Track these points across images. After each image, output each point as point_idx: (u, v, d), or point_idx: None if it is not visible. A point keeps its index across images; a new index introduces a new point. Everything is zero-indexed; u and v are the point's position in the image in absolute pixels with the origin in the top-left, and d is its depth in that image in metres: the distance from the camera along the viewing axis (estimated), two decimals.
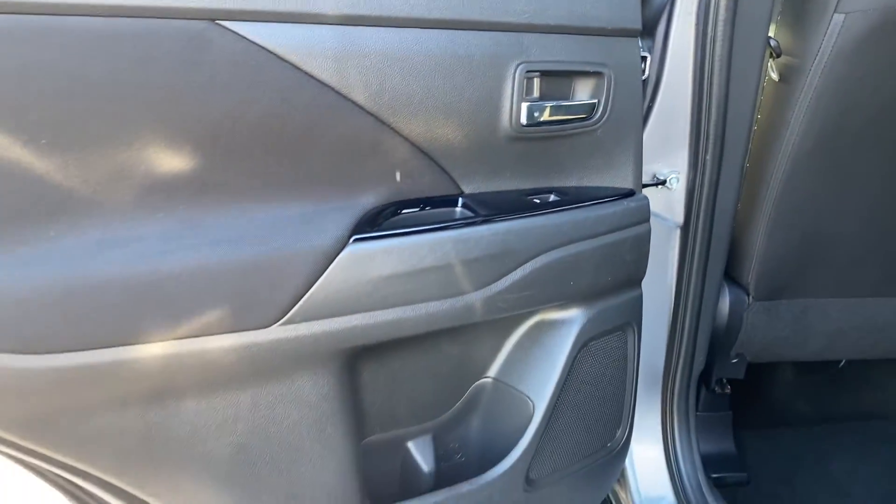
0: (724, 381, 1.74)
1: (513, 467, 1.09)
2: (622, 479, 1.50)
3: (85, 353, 0.72)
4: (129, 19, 0.70)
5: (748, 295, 1.56)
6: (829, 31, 1.23)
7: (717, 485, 1.58)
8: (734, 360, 1.66)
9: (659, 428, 1.52)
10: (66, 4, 0.67)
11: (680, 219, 1.36)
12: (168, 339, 0.76)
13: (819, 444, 1.89)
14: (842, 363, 1.99)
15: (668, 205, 1.36)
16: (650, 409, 1.52)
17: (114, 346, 0.73)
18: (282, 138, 0.82)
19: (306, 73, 0.80)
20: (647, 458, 1.51)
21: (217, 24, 0.74)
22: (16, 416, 0.72)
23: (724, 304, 1.56)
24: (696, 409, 1.73)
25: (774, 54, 1.33)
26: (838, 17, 1.21)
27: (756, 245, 1.49)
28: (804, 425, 1.95)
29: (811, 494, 1.74)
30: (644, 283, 1.32)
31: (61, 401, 0.73)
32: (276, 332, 0.81)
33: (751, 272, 1.52)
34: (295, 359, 0.85)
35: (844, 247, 1.50)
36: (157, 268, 0.75)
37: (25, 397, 0.71)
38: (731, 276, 1.57)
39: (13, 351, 0.69)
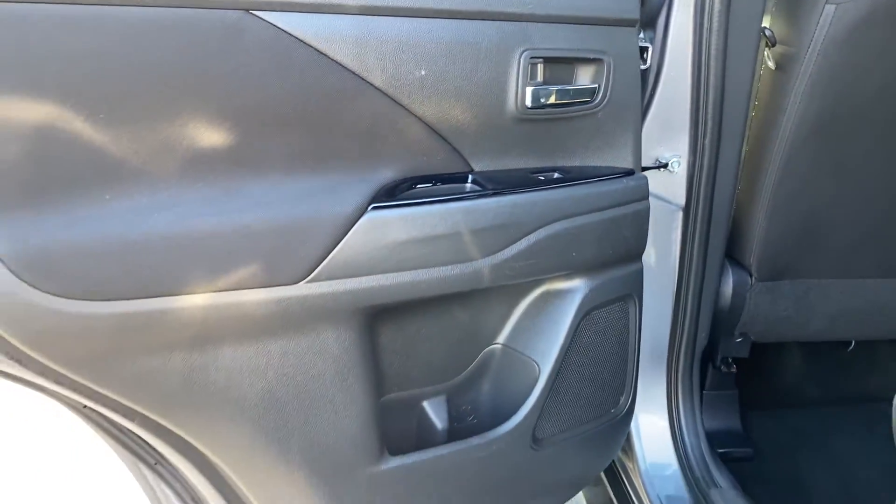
0: (730, 360, 1.81)
1: (519, 425, 1.18)
2: (629, 448, 1.58)
3: (137, 301, 0.83)
4: (175, 9, 0.81)
5: (751, 276, 1.63)
6: (821, 20, 1.30)
7: (724, 459, 1.65)
8: (739, 340, 1.73)
9: (664, 401, 1.60)
10: None
11: (682, 201, 1.44)
12: (208, 292, 0.86)
13: (825, 423, 1.95)
14: (851, 346, 2.04)
15: (670, 188, 1.44)
16: (656, 382, 1.60)
17: (162, 297, 0.84)
18: (308, 117, 0.91)
19: (329, 57, 0.89)
20: (652, 429, 1.58)
21: (251, 13, 0.84)
22: (76, 356, 0.83)
23: (728, 284, 1.63)
24: (703, 388, 1.80)
25: (770, 43, 1.41)
26: (829, 8, 1.28)
27: (757, 228, 1.56)
28: (811, 406, 2.00)
29: (815, 471, 1.80)
30: (648, 262, 1.40)
31: (116, 343, 0.84)
32: (303, 289, 0.91)
33: (753, 254, 1.59)
34: (320, 314, 0.94)
35: (843, 229, 1.57)
36: (198, 228, 0.85)
37: (86, 339, 0.82)
38: (734, 257, 1.64)
39: (77, 298, 0.80)
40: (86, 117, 0.79)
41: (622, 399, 1.36)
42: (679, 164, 1.41)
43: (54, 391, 0.90)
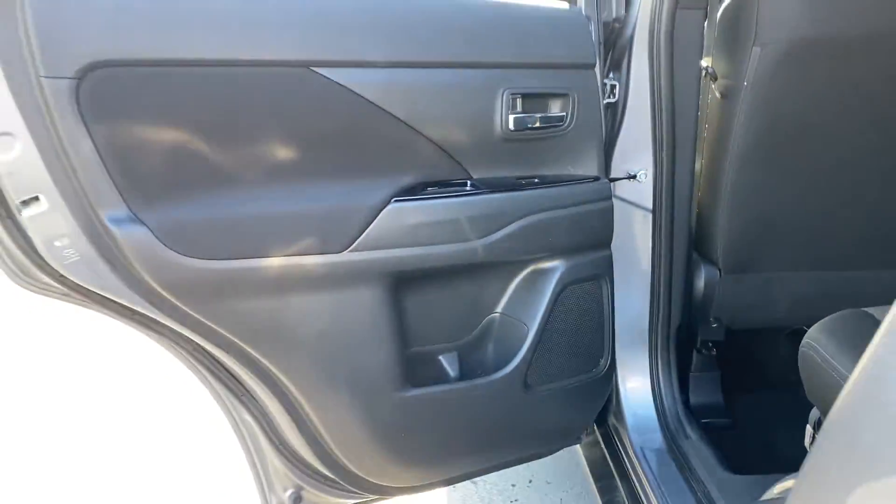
0: (710, 344, 2.14)
1: (513, 371, 1.54)
2: (618, 410, 1.91)
3: (236, 261, 1.24)
4: (262, 68, 1.23)
5: (719, 270, 1.96)
6: (751, 59, 1.66)
7: (706, 429, 1.97)
8: (714, 326, 2.05)
9: (647, 371, 1.93)
10: (228, 60, 1.20)
11: (650, 205, 1.80)
12: (282, 256, 1.27)
13: (803, 402, 2.24)
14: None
15: (639, 195, 1.80)
16: (640, 355, 1.93)
17: (252, 258, 1.25)
18: (349, 139, 1.32)
19: (364, 98, 1.31)
20: (637, 394, 1.91)
21: (311, 69, 1.26)
22: (195, 298, 1.24)
23: (700, 277, 1.97)
24: (690, 370, 2.13)
25: (712, 78, 1.77)
26: (756, 49, 1.64)
27: (720, 228, 1.90)
28: (790, 387, 2.29)
29: (793, 440, 2.09)
30: (626, 255, 1.76)
31: (222, 290, 1.25)
32: (346, 257, 1.32)
33: (719, 250, 1.93)
34: (358, 276, 1.34)
35: (790, 228, 1.89)
36: (276, 214, 1.27)
37: (202, 286, 1.23)
38: (704, 254, 1.98)
39: (197, 257, 1.22)
40: (206, 140, 1.22)
41: (602, 361, 1.71)
42: (645, 176, 1.77)
43: (176, 333, 1.31)
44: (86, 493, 2.48)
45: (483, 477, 2.46)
